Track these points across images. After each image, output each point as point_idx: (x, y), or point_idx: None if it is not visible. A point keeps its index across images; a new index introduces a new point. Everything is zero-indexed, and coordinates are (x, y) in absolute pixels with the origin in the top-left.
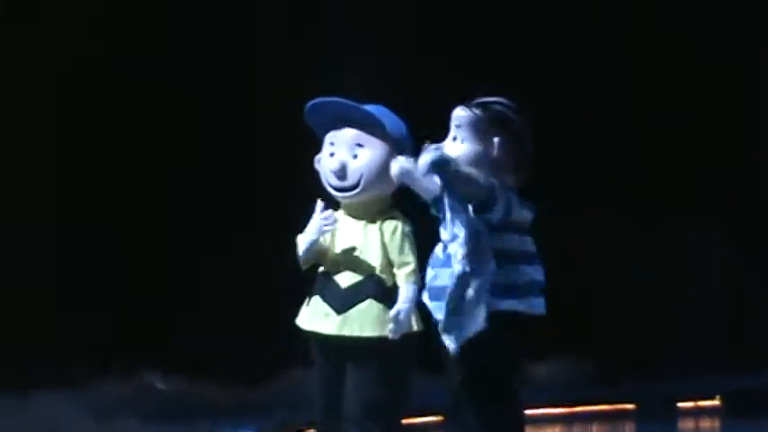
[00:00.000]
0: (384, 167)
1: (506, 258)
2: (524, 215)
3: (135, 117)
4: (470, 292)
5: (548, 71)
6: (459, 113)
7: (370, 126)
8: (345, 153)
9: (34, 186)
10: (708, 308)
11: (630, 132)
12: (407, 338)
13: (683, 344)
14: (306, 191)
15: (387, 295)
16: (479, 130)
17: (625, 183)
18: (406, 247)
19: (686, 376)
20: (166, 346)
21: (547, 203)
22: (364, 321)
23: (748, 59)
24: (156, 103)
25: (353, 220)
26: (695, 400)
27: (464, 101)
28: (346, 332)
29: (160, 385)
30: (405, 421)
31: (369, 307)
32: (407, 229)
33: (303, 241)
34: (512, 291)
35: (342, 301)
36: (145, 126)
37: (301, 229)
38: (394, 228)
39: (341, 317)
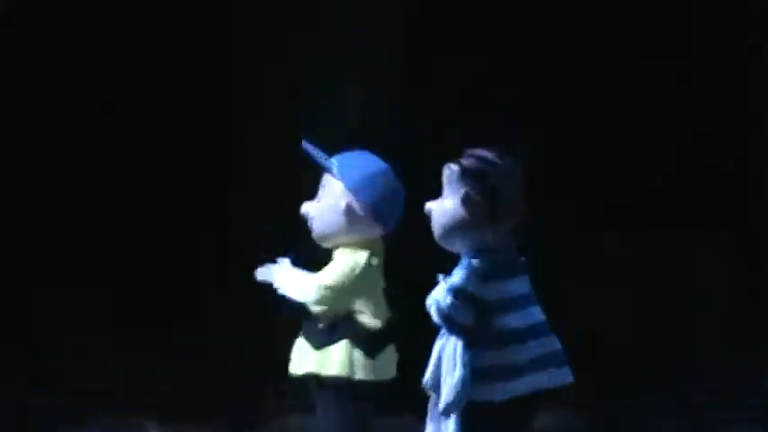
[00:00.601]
0: (332, 211)
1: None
2: (510, 290)
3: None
4: None
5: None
6: (444, 170)
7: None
8: (318, 195)
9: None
10: (715, 319)
11: (632, 140)
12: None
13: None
14: None
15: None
16: (452, 185)
17: (630, 192)
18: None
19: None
20: (159, 392)
21: (553, 216)
22: (331, 362)
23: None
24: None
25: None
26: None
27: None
28: (310, 369)
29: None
30: None
31: (334, 348)
32: (359, 260)
33: None
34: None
35: (313, 340)
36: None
37: None
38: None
39: (310, 354)
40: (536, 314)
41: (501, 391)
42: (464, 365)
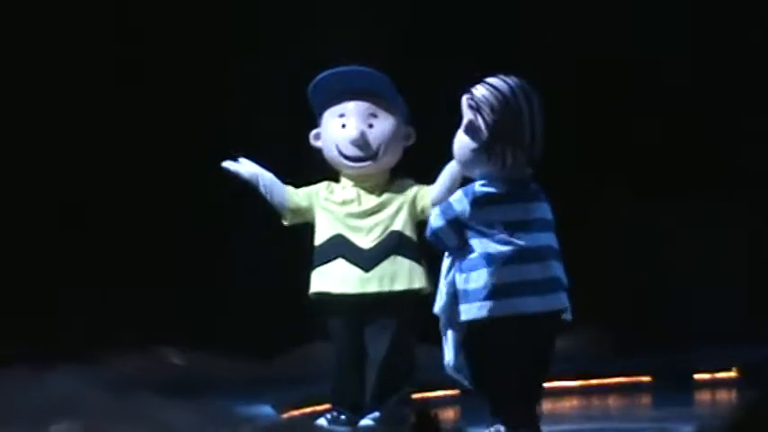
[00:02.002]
0: (398, 137)
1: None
2: (511, 215)
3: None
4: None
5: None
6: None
7: (380, 97)
8: (361, 123)
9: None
10: (724, 279)
11: (640, 114)
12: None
13: (699, 315)
14: (312, 169)
15: (410, 250)
16: (463, 114)
17: (641, 162)
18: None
19: (703, 348)
20: (182, 320)
21: (563, 183)
22: (394, 276)
23: None
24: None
25: (363, 190)
26: (712, 372)
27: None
28: (375, 288)
29: (175, 360)
30: (420, 395)
31: (396, 262)
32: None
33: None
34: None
35: (367, 261)
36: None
37: None
38: (410, 183)
39: (369, 274)
40: (540, 239)
41: (488, 310)
42: (448, 284)
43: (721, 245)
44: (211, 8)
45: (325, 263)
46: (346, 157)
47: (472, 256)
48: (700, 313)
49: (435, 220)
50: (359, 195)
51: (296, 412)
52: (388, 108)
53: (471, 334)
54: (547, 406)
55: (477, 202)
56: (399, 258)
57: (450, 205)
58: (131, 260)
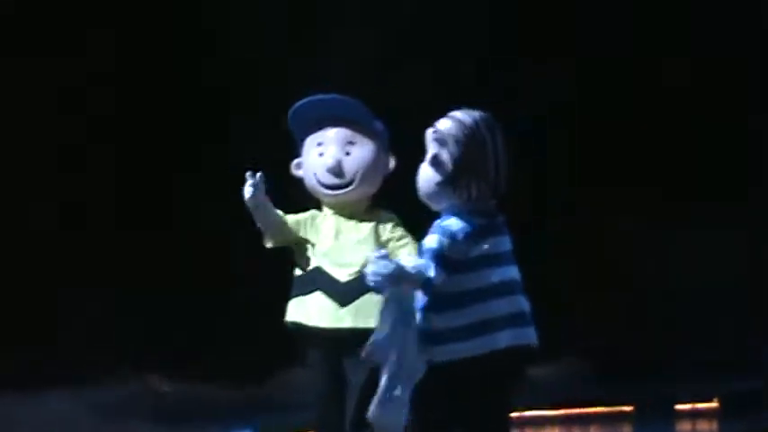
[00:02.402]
0: (375, 164)
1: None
2: (484, 248)
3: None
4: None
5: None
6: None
7: (359, 124)
8: (337, 151)
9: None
10: (706, 310)
11: (636, 128)
12: None
13: (681, 346)
14: (304, 195)
15: None
16: (428, 147)
17: (629, 182)
18: (405, 233)
19: (684, 378)
20: (168, 347)
21: (548, 204)
22: (369, 312)
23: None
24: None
25: (343, 218)
26: (693, 402)
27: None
28: (350, 324)
29: (162, 387)
30: None
31: (373, 297)
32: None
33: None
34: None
35: (343, 295)
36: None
37: None
38: (390, 218)
39: (344, 310)
40: (509, 272)
41: (465, 349)
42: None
43: (705, 274)
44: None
45: (303, 294)
46: (323, 185)
47: (443, 293)
48: (682, 343)
49: (428, 264)
50: (339, 228)
51: None
52: (367, 135)
53: (438, 377)
54: None
55: (456, 239)
56: (376, 295)
57: (435, 251)
58: (120, 288)
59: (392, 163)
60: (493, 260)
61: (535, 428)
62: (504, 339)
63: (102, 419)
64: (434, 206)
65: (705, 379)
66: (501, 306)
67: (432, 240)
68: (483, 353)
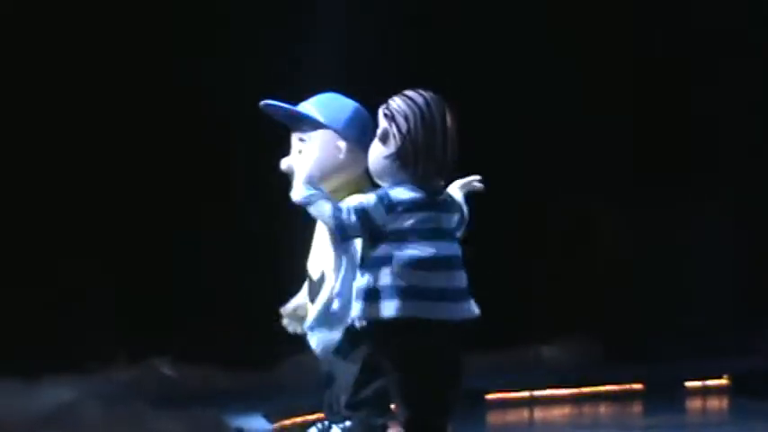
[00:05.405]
0: (327, 156)
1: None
2: (418, 223)
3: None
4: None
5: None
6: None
7: (305, 122)
8: (292, 154)
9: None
10: (716, 287)
11: (631, 109)
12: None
13: (690, 324)
14: None
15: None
16: (379, 121)
17: (630, 164)
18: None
19: (694, 356)
20: (174, 331)
21: (553, 186)
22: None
23: None
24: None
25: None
26: (703, 379)
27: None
28: None
29: (167, 371)
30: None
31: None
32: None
33: None
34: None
35: (313, 293)
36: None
37: None
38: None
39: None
40: (447, 249)
41: (406, 309)
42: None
43: (714, 256)
44: None
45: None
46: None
47: (379, 255)
48: (691, 322)
49: (349, 215)
50: (317, 228)
51: (287, 422)
52: (316, 128)
53: (386, 335)
54: (538, 414)
55: (392, 208)
56: None
57: (364, 207)
58: (125, 272)
59: (344, 149)
60: (431, 234)
61: (545, 407)
62: (436, 311)
63: (106, 404)
64: (383, 182)
65: (715, 357)
66: (438, 278)
67: (366, 196)
68: (411, 317)
